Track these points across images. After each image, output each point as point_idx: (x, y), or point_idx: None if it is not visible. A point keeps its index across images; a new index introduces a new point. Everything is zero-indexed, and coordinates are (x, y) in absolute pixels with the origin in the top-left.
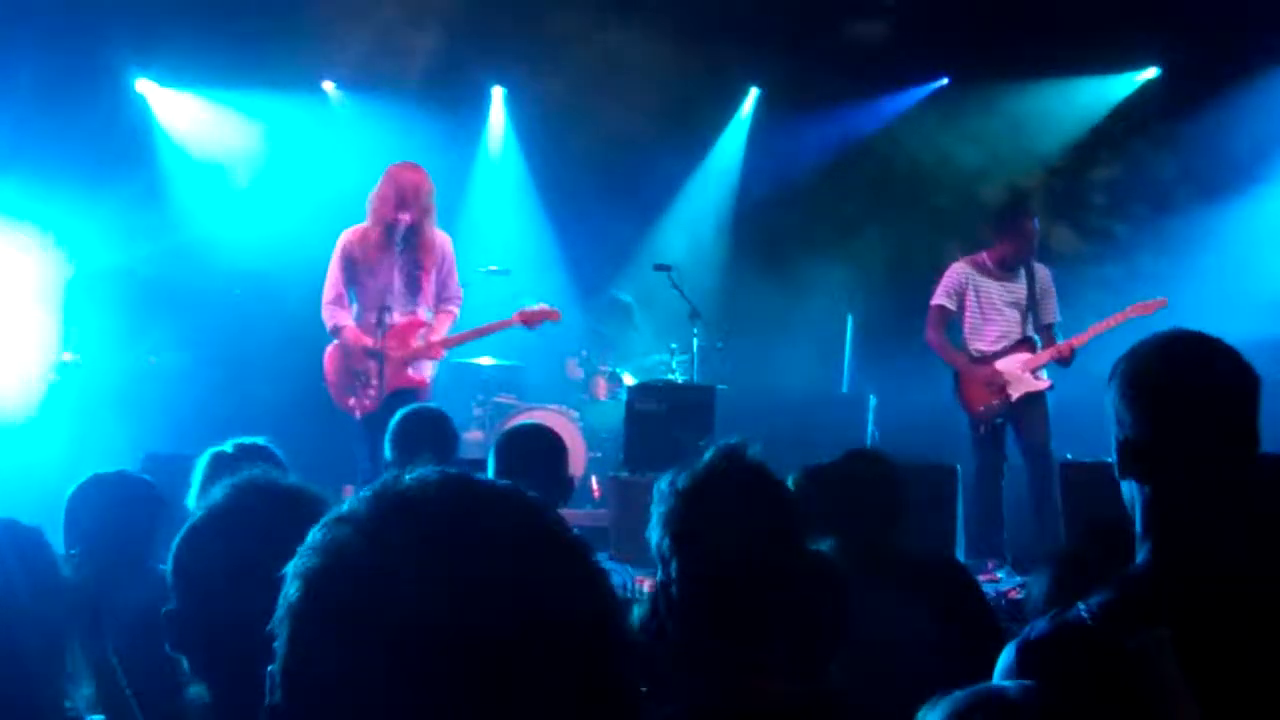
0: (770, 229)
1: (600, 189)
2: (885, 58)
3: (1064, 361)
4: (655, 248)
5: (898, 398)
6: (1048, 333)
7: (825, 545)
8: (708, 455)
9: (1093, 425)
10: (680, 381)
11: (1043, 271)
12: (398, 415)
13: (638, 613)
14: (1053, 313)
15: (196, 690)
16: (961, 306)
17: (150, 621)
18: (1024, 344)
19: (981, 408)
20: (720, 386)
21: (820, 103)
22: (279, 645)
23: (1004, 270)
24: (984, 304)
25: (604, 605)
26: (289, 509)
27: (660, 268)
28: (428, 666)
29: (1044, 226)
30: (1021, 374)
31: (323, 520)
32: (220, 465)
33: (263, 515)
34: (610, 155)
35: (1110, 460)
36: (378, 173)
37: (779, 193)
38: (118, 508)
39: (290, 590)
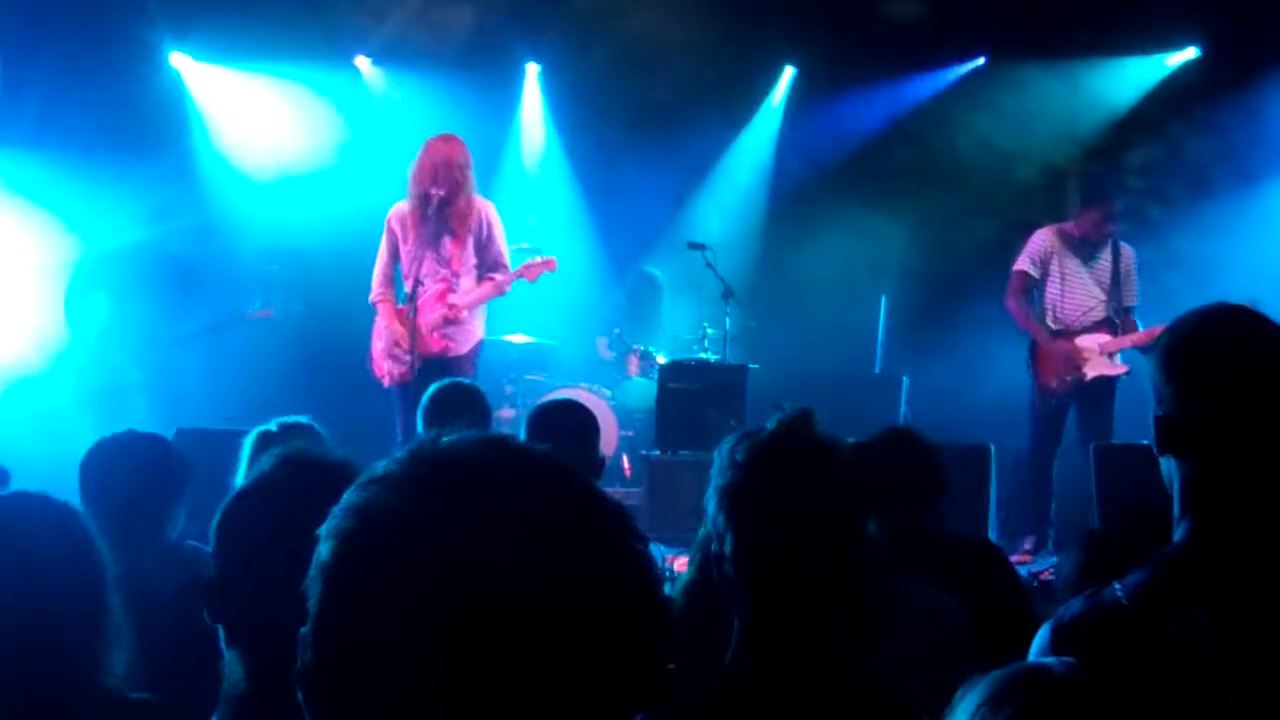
0: (805, 208)
1: (634, 166)
2: (922, 37)
3: (1148, 350)
4: (689, 226)
5: (930, 378)
6: (1127, 316)
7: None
8: (770, 424)
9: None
10: (713, 361)
11: (1127, 252)
12: (430, 389)
13: (677, 586)
14: (1134, 295)
15: (230, 663)
16: (1045, 275)
17: (179, 597)
18: (1106, 324)
19: (1054, 382)
20: (752, 366)
21: (856, 82)
22: (311, 605)
23: (1088, 245)
24: (1067, 275)
25: (642, 572)
26: (336, 481)
27: (694, 246)
28: (460, 627)
29: (1077, 209)
30: (1100, 355)
31: (356, 482)
32: (267, 444)
33: (309, 486)
34: (644, 132)
35: (1144, 443)
36: (411, 149)
37: (814, 172)
38: (128, 474)
39: (323, 550)
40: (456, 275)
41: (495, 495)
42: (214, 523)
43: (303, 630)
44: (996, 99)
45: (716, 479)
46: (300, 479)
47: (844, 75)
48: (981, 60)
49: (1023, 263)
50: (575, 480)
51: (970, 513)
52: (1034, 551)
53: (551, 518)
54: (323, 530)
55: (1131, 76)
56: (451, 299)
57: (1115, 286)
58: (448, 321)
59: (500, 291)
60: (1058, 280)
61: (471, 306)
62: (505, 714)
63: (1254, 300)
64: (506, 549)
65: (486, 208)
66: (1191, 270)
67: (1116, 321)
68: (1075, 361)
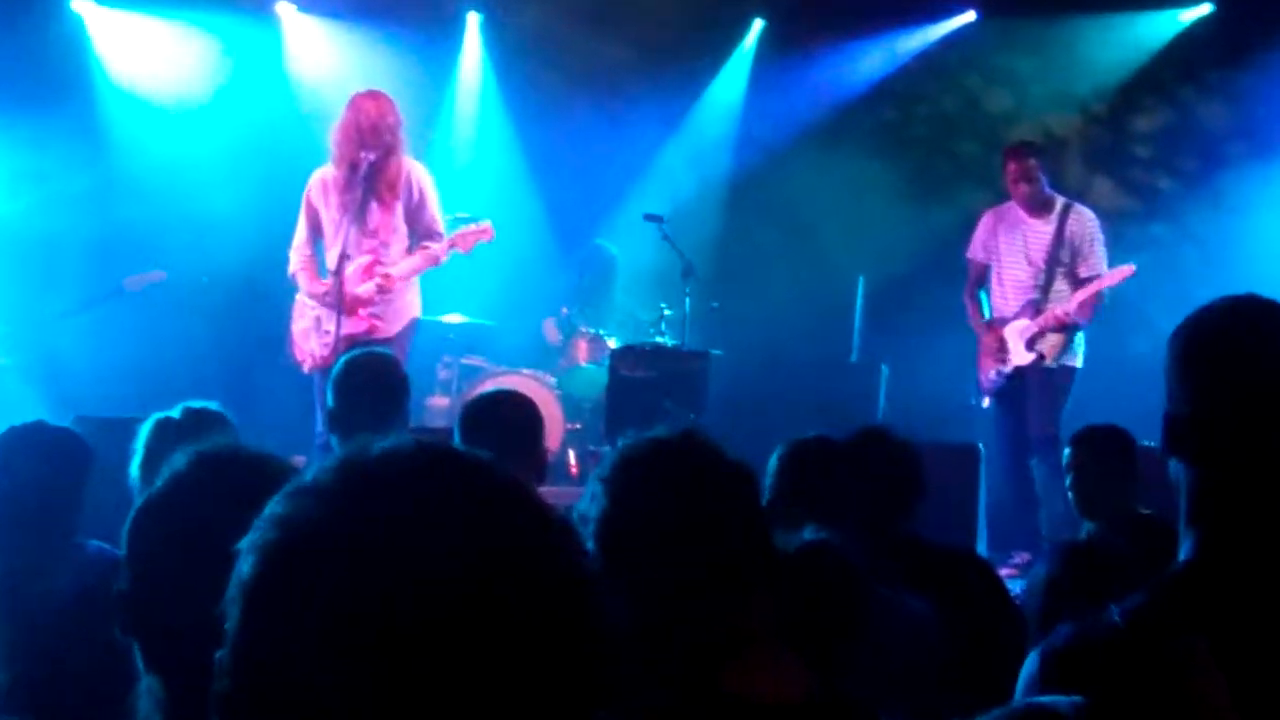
0: (774, 177)
1: (584, 129)
2: None
3: (1059, 332)
4: (645, 196)
5: (913, 367)
6: (1080, 289)
7: (828, 534)
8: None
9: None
10: (670, 346)
11: (1080, 217)
12: (340, 361)
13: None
14: (1092, 265)
15: (148, 682)
16: (989, 258)
17: (81, 606)
18: (1029, 307)
19: (984, 377)
20: (715, 352)
21: (832, 37)
22: (230, 626)
23: (1031, 219)
24: (1004, 257)
25: (584, 591)
26: (258, 482)
27: (651, 218)
28: (392, 652)
29: (1082, 179)
30: (1018, 342)
31: (282, 491)
32: (167, 432)
33: (229, 488)
34: (597, 92)
35: (1147, 443)
36: (336, 105)
37: (784, 137)
38: (37, 465)
39: (244, 566)
40: (385, 245)
41: (431, 510)
42: (125, 528)
43: (219, 653)
44: (988, 57)
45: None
46: (218, 481)
47: (818, 29)
48: (972, 14)
49: (970, 249)
50: (517, 493)
51: (956, 520)
52: (1025, 566)
53: (490, 533)
54: (244, 544)
55: (1138, 33)
56: (382, 269)
57: (1054, 260)
58: (381, 292)
59: (435, 262)
60: (996, 264)
61: (406, 277)
62: None
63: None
64: (441, 567)
65: (417, 169)
66: (1207, 246)
67: (1042, 302)
68: (1000, 354)
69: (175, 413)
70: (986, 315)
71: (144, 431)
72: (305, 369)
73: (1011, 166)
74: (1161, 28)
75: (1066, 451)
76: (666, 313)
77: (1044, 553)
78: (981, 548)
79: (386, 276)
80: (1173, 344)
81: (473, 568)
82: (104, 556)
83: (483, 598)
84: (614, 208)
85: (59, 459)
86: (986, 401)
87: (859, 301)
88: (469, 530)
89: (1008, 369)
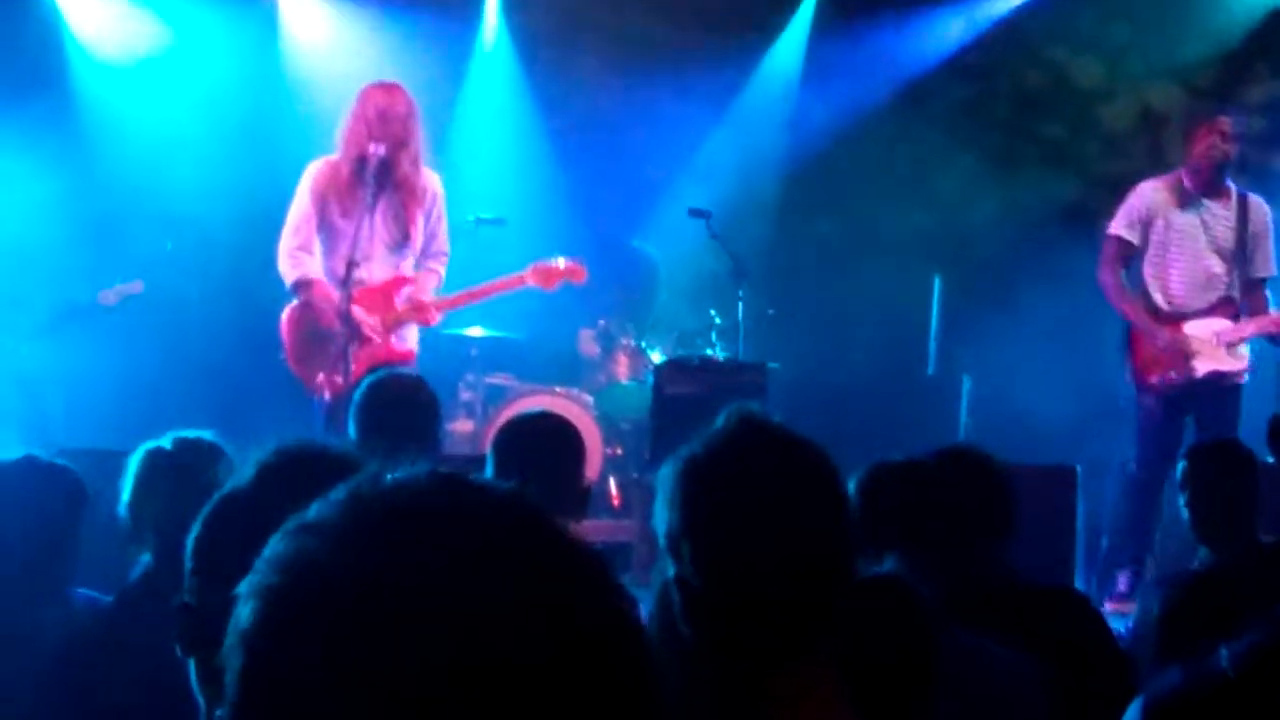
0: (835, 165)
1: (619, 116)
2: None
3: (1277, 339)
4: (690, 189)
5: (998, 380)
6: (1256, 291)
7: (906, 569)
8: (720, 421)
9: None
10: (722, 358)
11: (1259, 207)
12: (365, 385)
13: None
14: (1269, 265)
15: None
16: (1147, 241)
17: (65, 667)
18: (1226, 304)
19: (1155, 379)
20: (772, 365)
21: (898, 5)
22: (229, 679)
23: (1206, 199)
24: (1173, 242)
25: (626, 641)
26: (339, 479)
27: (697, 213)
28: (405, 706)
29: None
30: (1215, 346)
31: (284, 528)
32: (158, 464)
33: (318, 486)
34: (632, 75)
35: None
36: (339, 96)
37: (846, 120)
38: (25, 507)
39: (244, 612)
40: (405, 260)
41: (449, 550)
42: (193, 534)
43: (219, 713)
44: (1075, 25)
45: (663, 486)
46: (309, 475)
47: None
48: None
49: (1117, 225)
50: (546, 530)
51: (1050, 553)
52: (1130, 593)
53: (515, 577)
54: (243, 587)
55: None
56: (423, 298)
57: (1241, 254)
58: (420, 323)
59: (439, 284)
60: (1160, 248)
61: (449, 309)
62: None
63: None
64: (461, 615)
65: (434, 179)
66: None
67: (1239, 301)
68: (1183, 353)
69: (166, 443)
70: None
71: (133, 464)
72: (327, 396)
73: (1206, 129)
74: None
75: (1181, 467)
76: (717, 321)
77: (1150, 585)
78: (1078, 582)
79: (423, 307)
80: None
81: (495, 618)
82: (92, 608)
83: (507, 652)
84: (655, 204)
85: (52, 499)
86: (1145, 403)
87: (935, 305)
88: (492, 574)
89: (1199, 373)
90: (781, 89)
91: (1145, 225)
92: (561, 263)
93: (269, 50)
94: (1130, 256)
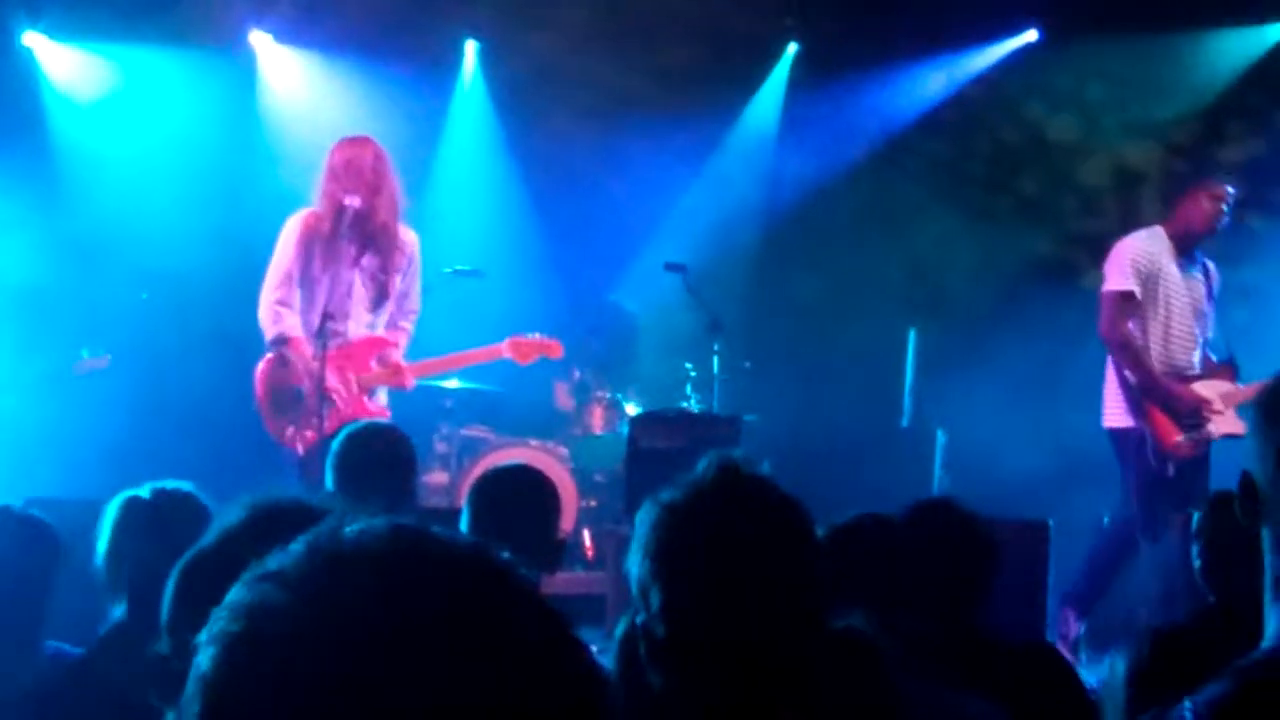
0: (812, 220)
1: (596, 169)
2: (959, 6)
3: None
4: (667, 243)
5: (971, 433)
6: (1206, 354)
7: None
8: (700, 466)
9: None
10: (697, 411)
11: (1216, 272)
12: (342, 435)
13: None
14: (1211, 328)
15: None
16: (1146, 296)
17: (45, 709)
18: (1227, 367)
19: (1180, 441)
20: (748, 417)
21: (876, 62)
22: None
23: (1186, 258)
24: (1173, 299)
25: (583, 699)
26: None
27: (673, 267)
28: None
29: (1163, 218)
30: (1226, 409)
31: (244, 576)
32: (136, 513)
33: (285, 539)
34: (609, 128)
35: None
36: (320, 146)
37: (823, 175)
38: (11, 558)
39: (203, 659)
40: (380, 318)
41: (406, 602)
42: (170, 586)
43: None
44: (1052, 82)
45: (639, 530)
46: (279, 532)
47: (860, 52)
48: (1033, 34)
49: (1123, 280)
50: (507, 583)
51: (1022, 607)
52: (1075, 641)
53: (472, 630)
54: (203, 635)
55: (1222, 53)
56: (397, 361)
57: (1205, 317)
58: (394, 387)
59: (409, 342)
60: (1164, 305)
61: (422, 376)
62: None
63: None
64: (416, 668)
65: (411, 235)
66: None
67: (1219, 363)
68: (1202, 414)
69: (144, 492)
70: None
71: (110, 513)
72: (299, 451)
73: (1207, 195)
74: (1248, 45)
75: (1196, 517)
76: (692, 374)
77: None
78: (1050, 635)
79: (400, 370)
80: (1266, 398)
81: (451, 671)
82: (60, 660)
83: (463, 704)
84: (631, 257)
85: (26, 552)
86: (1152, 461)
87: (910, 358)
88: (445, 625)
89: (1217, 435)
90: (758, 143)
91: (1147, 280)
92: (538, 338)
93: (247, 102)
94: (1132, 314)
